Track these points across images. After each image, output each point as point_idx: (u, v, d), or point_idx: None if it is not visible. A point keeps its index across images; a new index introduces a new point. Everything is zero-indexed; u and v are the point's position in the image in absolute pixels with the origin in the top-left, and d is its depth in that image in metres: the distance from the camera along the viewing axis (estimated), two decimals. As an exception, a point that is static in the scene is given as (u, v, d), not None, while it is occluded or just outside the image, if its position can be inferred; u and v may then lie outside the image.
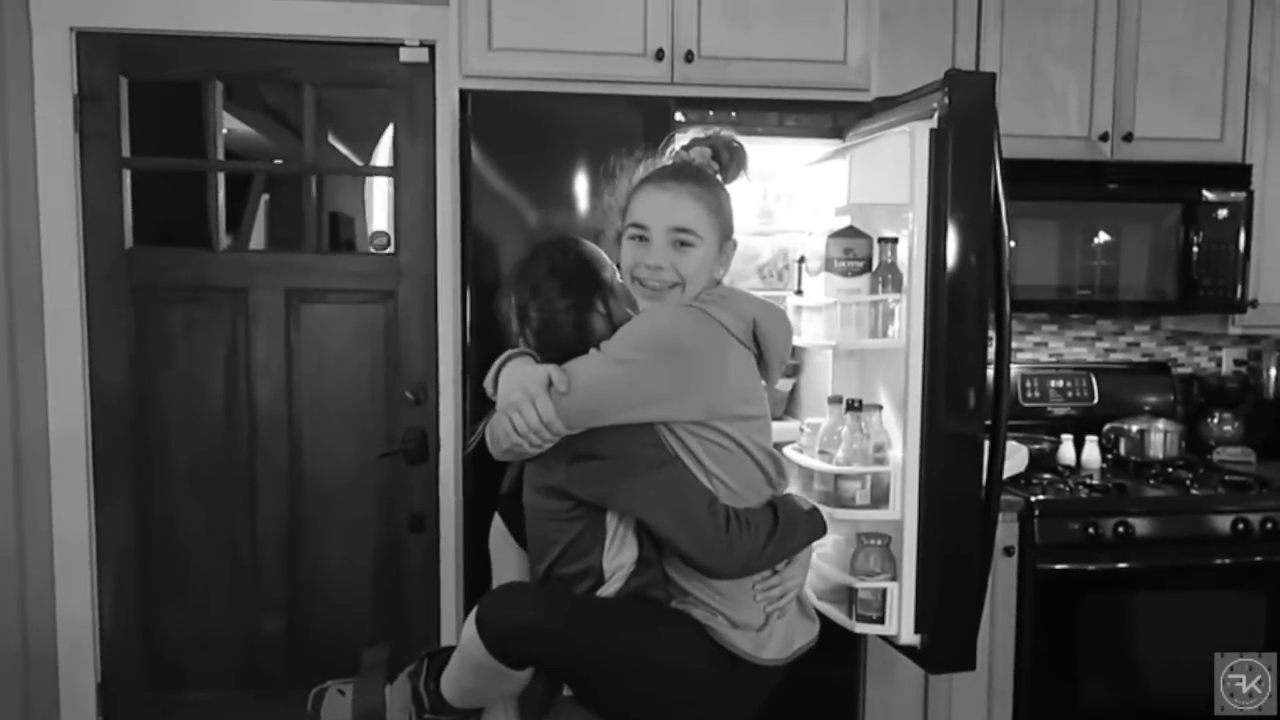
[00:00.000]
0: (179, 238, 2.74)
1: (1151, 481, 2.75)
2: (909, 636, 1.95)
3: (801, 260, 2.25)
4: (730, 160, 1.73)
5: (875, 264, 1.99)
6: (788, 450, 2.13)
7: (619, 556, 1.61)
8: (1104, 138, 2.84)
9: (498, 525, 1.86)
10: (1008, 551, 2.51)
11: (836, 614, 2.03)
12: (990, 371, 1.94)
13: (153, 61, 2.56)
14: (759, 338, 1.64)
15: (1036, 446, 2.86)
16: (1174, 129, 2.88)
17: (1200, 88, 2.88)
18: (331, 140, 3.03)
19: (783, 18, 2.36)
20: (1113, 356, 3.27)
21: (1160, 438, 2.92)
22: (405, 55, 2.57)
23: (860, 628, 1.98)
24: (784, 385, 2.46)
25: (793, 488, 2.07)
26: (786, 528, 1.64)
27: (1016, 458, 2.63)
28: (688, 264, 1.62)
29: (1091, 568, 2.54)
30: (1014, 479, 2.65)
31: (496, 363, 1.68)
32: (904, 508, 1.94)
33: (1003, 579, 2.51)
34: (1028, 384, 3.10)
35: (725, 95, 2.33)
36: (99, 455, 2.58)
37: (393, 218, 2.67)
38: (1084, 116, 2.85)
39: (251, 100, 3.05)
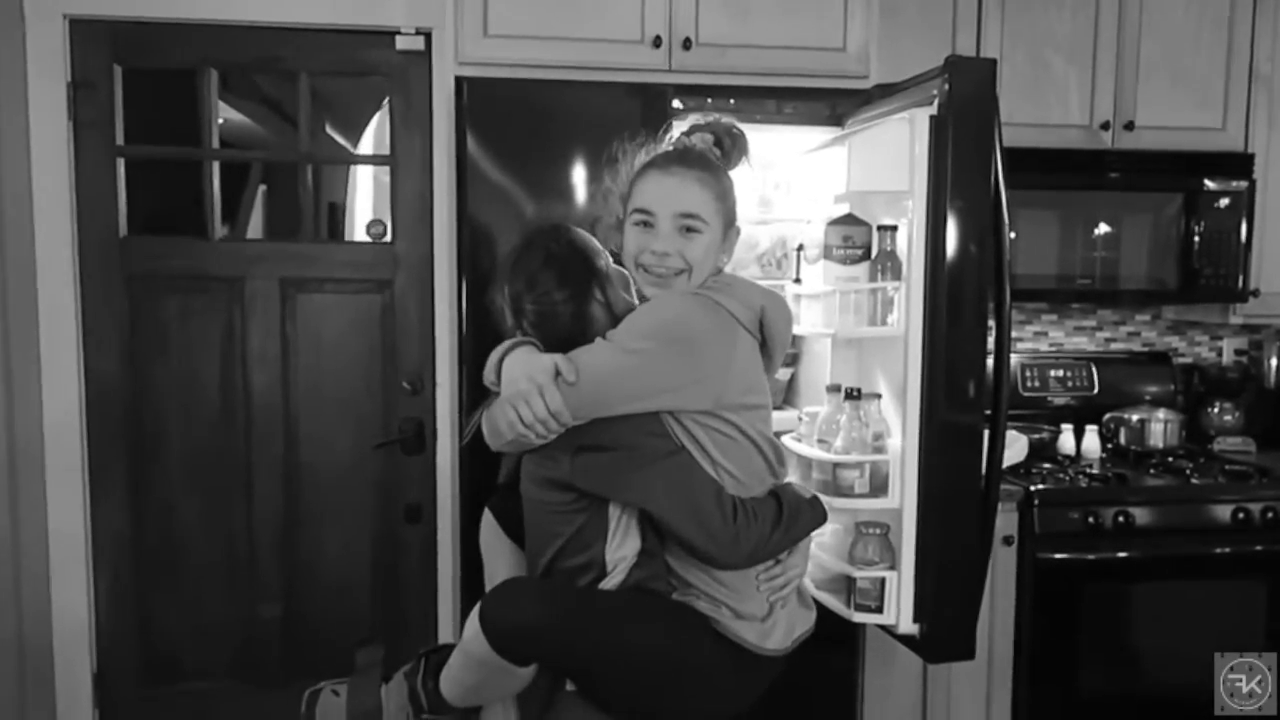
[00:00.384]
0: (174, 227, 2.72)
1: (1151, 471, 2.74)
2: (907, 626, 1.94)
3: (800, 248, 2.24)
4: (732, 146, 1.72)
5: (874, 252, 1.98)
6: (786, 439, 2.12)
7: (622, 548, 1.60)
8: (1105, 127, 2.82)
9: (489, 521, 1.84)
10: (1007, 541, 2.51)
11: (835, 603, 2.02)
12: (990, 361, 1.93)
13: (147, 49, 2.54)
14: (764, 326, 1.63)
15: (1036, 436, 2.85)
16: (1176, 118, 2.86)
17: (1202, 76, 2.87)
18: (329, 130, 3.02)
19: (781, 5, 2.34)
20: (1113, 346, 3.26)
21: (1160, 427, 2.92)
22: (401, 43, 2.55)
23: (859, 617, 1.97)
24: (783, 374, 2.45)
25: (791, 477, 2.06)
26: (790, 517, 1.63)
27: (1016, 447, 2.62)
28: (694, 250, 1.61)
29: (1091, 557, 2.53)
30: (1014, 468, 2.65)
31: (497, 352, 1.66)
32: (903, 497, 1.93)
33: (1002, 568, 2.51)
34: (1028, 373, 3.09)
35: (723, 83, 2.32)
36: (94, 445, 2.57)
37: (389, 207, 2.66)
38: (1085, 105, 2.83)
39: (248, 90, 3.03)
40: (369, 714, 1.65)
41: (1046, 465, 2.75)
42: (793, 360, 2.47)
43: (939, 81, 1.85)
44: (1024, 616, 2.54)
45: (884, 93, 2.14)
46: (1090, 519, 2.52)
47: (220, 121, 2.64)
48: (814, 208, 2.24)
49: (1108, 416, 3.00)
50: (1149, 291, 2.90)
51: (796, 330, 2.20)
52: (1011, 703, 2.57)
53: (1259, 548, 2.59)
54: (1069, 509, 2.53)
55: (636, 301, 1.69)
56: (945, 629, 1.94)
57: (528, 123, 2.22)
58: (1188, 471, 2.70)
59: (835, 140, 2.21)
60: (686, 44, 2.32)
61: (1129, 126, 2.83)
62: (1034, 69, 2.79)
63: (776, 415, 2.26)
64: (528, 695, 1.63)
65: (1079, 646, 2.56)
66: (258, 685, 2.67)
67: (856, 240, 2.00)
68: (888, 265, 1.94)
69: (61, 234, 2.49)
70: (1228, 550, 2.59)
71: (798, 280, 2.25)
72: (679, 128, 1.76)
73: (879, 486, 1.96)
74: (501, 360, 1.62)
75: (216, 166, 2.61)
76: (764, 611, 1.63)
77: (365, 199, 2.87)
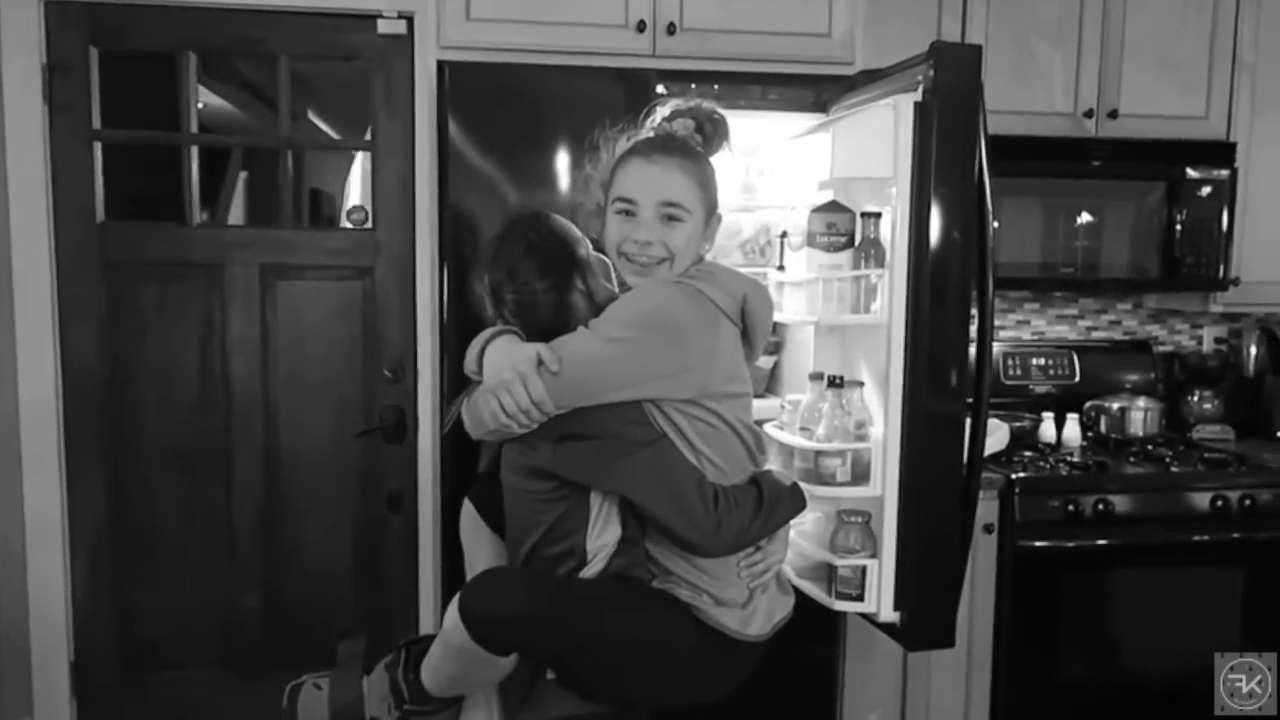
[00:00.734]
0: (153, 213, 2.69)
1: (1131, 459, 2.75)
2: (888, 614, 1.95)
3: (784, 235, 2.23)
4: (714, 132, 1.71)
5: (858, 239, 1.98)
6: (768, 427, 2.12)
7: (602, 536, 1.60)
8: (1089, 114, 2.83)
9: (468, 511, 1.83)
10: (988, 529, 2.52)
11: (816, 591, 2.03)
12: (973, 349, 1.93)
13: (124, 31, 2.50)
14: (746, 314, 1.63)
15: (1018, 424, 2.86)
16: (1159, 106, 2.87)
17: (1186, 65, 2.88)
18: (311, 117, 2.98)
19: (766, -10, 2.33)
20: (1094, 334, 3.28)
21: (1141, 415, 2.93)
22: (383, 27, 2.51)
23: (840, 605, 1.97)
24: (765, 362, 2.45)
25: (773, 465, 2.06)
26: (770, 504, 1.63)
27: (998, 435, 2.63)
28: (676, 239, 1.60)
29: (1071, 545, 2.55)
30: (995, 456, 2.66)
31: (478, 341, 1.65)
32: (885, 485, 1.93)
33: (982, 556, 2.52)
34: (1009, 362, 3.10)
35: (708, 68, 2.31)
36: (71, 433, 2.54)
37: (370, 193, 2.63)
38: (1069, 93, 2.83)
39: (228, 75, 2.99)
40: (351, 706, 1.64)
41: (1027, 453, 2.77)
42: (775, 348, 2.46)
43: (924, 68, 1.85)
44: (1004, 604, 2.55)
45: (869, 79, 2.13)
46: (1070, 507, 2.53)
47: (200, 106, 2.60)
48: (798, 194, 2.24)
49: (1089, 405, 3.01)
50: (1130, 280, 2.92)
51: (780, 318, 2.20)
52: (990, 690, 2.59)
53: (1237, 535, 2.61)
54: (1049, 497, 2.54)
55: (617, 290, 1.68)
56: (925, 617, 1.94)
57: (510, 108, 2.20)
58: (1167, 460, 2.72)
59: (819, 126, 2.20)
60: (671, 29, 2.31)
61: (1113, 114, 2.83)
62: (1019, 56, 2.79)
63: (759, 403, 2.26)
64: (509, 684, 1.63)
65: (1058, 634, 2.58)
66: (238, 674, 2.66)
67: (840, 227, 1.99)
68: (871, 252, 1.93)
69: (37, 219, 2.45)
70: (1206, 538, 2.61)
71: (781, 267, 2.25)
72: (660, 112, 1.75)
73: (861, 475, 1.96)
74: (483, 349, 1.61)
75: (196, 151, 2.57)
76: (744, 598, 1.64)
77: (357, 186, 2.85)
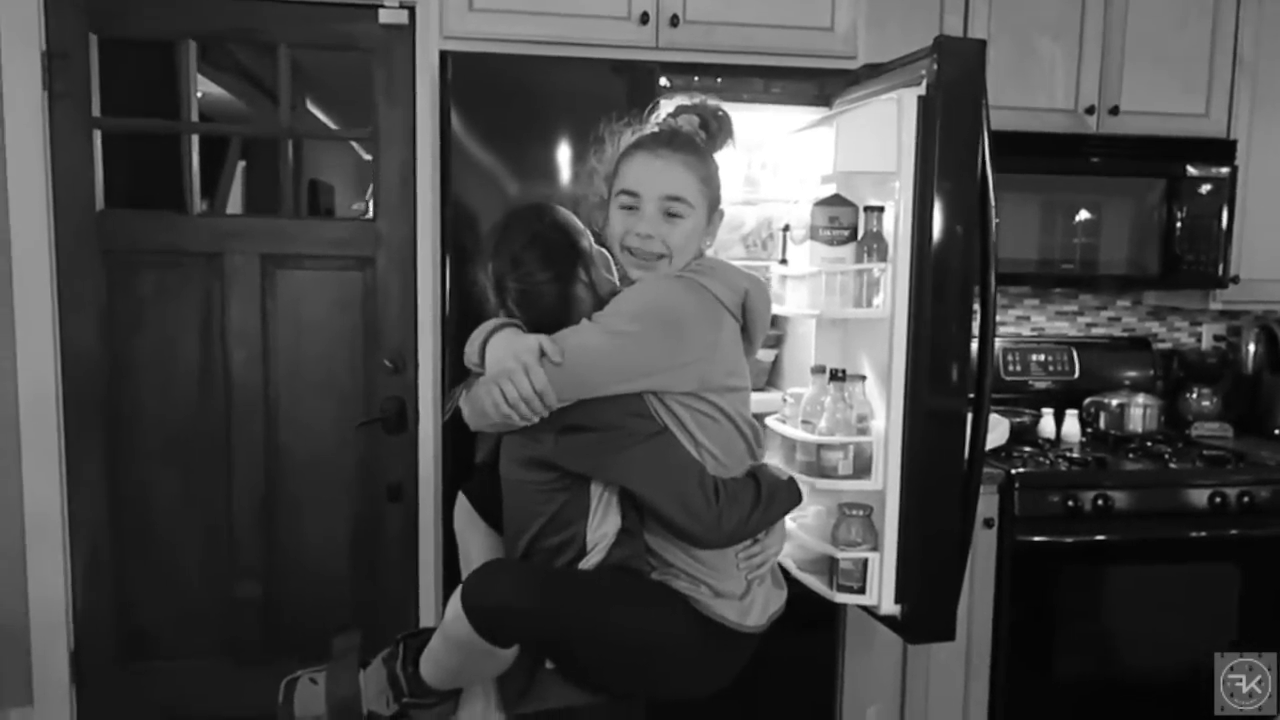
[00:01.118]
0: (152, 201, 2.68)
1: (1130, 455, 2.76)
2: (889, 607, 1.95)
3: (786, 229, 2.23)
4: (718, 129, 1.71)
5: (861, 233, 1.98)
6: (770, 421, 2.12)
7: (602, 526, 1.60)
8: (1090, 111, 2.83)
9: (463, 505, 1.83)
10: (987, 523, 2.52)
11: (817, 584, 2.03)
12: (974, 345, 1.93)
13: (123, 18, 2.49)
14: (747, 310, 1.64)
15: (1017, 420, 2.87)
16: (1160, 103, 2.87)
17: (1187, 62, 2.88)
18: (310, 107, 2.98)
19: (770, -17, 2.33)
20: (1094, 331, 3.28)
21: (1140, 412, 2.94)
22: (384, 16, 2.50)
23: (841, 598, 1.98)
24: (767, 355, 2.45)
25: (775, 458, 2.07)
26: (769, 497, 1.64)
27: (998, 431, 2.63)
28: (676, 235, 1.61)
29: (1070, 540, 2.56)
30: (994, 451, 2.66)
31: (480, 333, 1.64)
32: (886, 478, 1.93)
33: (982, 551, 2.53)
34: (1009, 357, 3.11)
35: (710, 61, 2.31)
36: (70, 422, 2.54)
37: (371, 184, 2.62)
38: (1070, 89, 2.83)
39: (227, 64, 2.98)
40: (348, 700, 1.64)
41: (1027, 449, 2.77)
42: (777, 342, 2.46)
43: (928, 62, 1.85)
44: (1003, 599, 2.56)
45: (872, 73, 2.13)
46: (1070, 502, 2.54)
47: (199, 95, 2.60)
48: (801, 188, 2.23)
49: (1088, 401, 3.02)
50: (1130, 277, 2.92)
51: (782, 311, 2.20)
52: (989, 683, 2.59)
53: (1234, 532, 2.62)
54: (1049, 492, 2.55)
55: (619, 282, 1.69)
56: (926, 610, 1.95)
57: (513, 99, 2.20)
58: (1166, 456, 2.73)
59: (822, 120, 2.20)
60: (674, 21, 2.30)
61: (1114, 111, 2.83)
62: (1020, 52, 2.79)
63: (761, 396, 2.27)
64: (508, 675, 1.63)
65: (1057, 628, 2.59)
66: (236, 663, 2.65)
67: (843, 221, 1.99)
68: (874, 247, 1.94)
69: (36, 207, 2.44)
70: (1204, 534, 2.62)
71: (784, 261, 2.24)
72: (666, 108, 1.75)
73: (862, 468, 1.96)
74: (485, 341, 1.61)
75: (195, 140, 2.57)
76: (742, 590, 1.64)
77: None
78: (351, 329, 2.62)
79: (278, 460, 2.63)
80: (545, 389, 1.50)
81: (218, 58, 2.81)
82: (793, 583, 1.89)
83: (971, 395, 1.95)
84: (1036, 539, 2.54)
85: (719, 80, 2.24)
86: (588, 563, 1.59)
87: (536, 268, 1.60)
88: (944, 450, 1.93)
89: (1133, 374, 3.17)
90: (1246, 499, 2.61)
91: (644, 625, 1.60)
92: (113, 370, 2.55)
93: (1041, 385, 3.10)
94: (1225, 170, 2.85)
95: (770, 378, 2.50)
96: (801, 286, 2.13)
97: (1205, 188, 2.85)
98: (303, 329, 2.61)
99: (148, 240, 2.55)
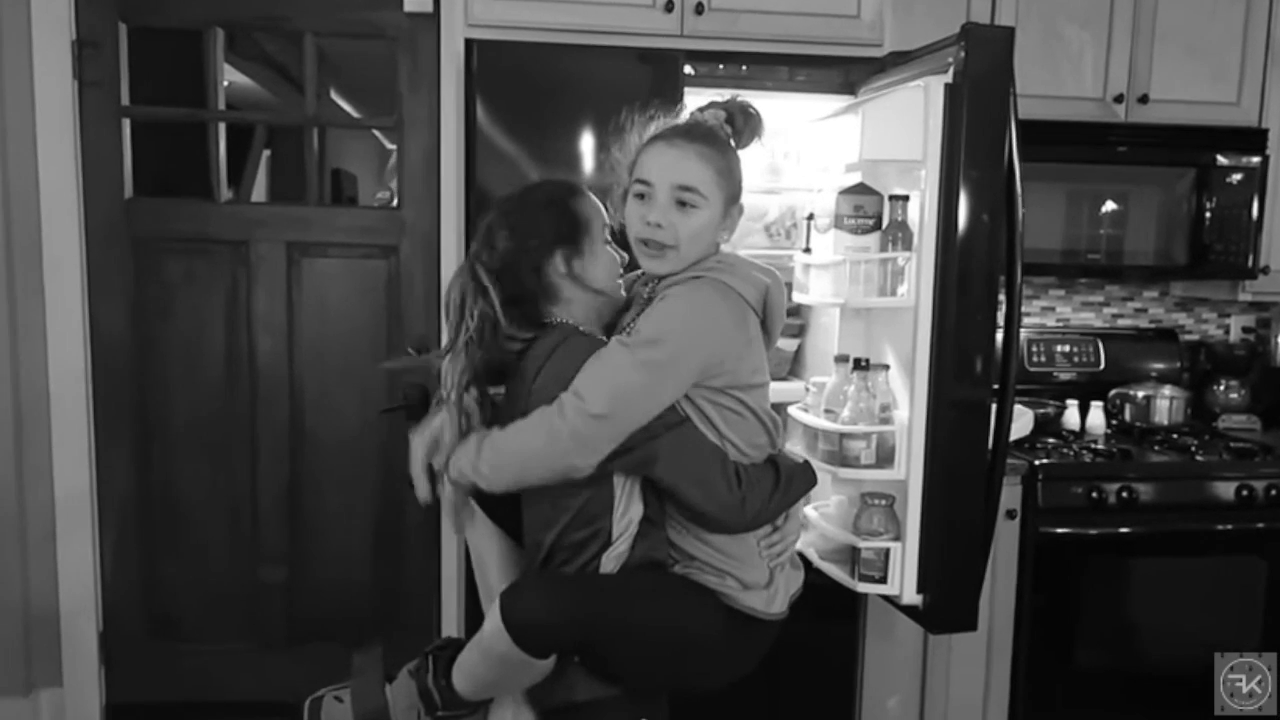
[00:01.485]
0: (179, 189, 2.70)
1: (1156, 447, 2.74)
2: (911, 596, 1.94)
3: (810, 218, 2.22)
4: (745, 125, 1.68)
5: (885, 222, 1.97)
6: (792, 410, 2.12)
7: (627, 514, 1.60)
8: (1119, 99, 2.79)
9: (477, 513, 1.82)
10: (1010, 514, 2.51)
11: (839, 574, 2.03)
12: (999, 335, 1.92)
13: (152, 7, 2.51)
14: (767, 305, 1.63)
15: (1041, 411, 2.85)
16: (1190, 92, 2.83)
17: (1218, 50, 2.83)
18: (334, 96, 2.99)
19: (795, -30, 2.32)
20: (1120, 322, 3.25)
21: (1166, 404, 2.91)
22: (409, 4, 2.51)
23: (862, 587, 1.97)
24: (789, 345, 2.44)
25: (797, 447, 2.07)
26: (787, 480, 1.64)
27: (1022, 421, 2.62)
28: (688, 226, 1.58)
29: (1093, 532, 2.54)
30: (1018, 442, 2.64)
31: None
32: (909, 468, 1.93)
33: (1004, 541, 2.51)
34: (1034, 348, 3.08)
35: (735, 49, 2.30)
36: (99, 407, 2.57)
37: (396, 172, 2.64)
38: (1099, 78, 2.80)
39: (252, 53, 3.00)
40: (377, 715, 1.64)
41: (1051, 440, 2.75)
42: (799, 331, 2.46)
43: (955, 49, 1.83)
44: (1024, 590, 2.54)
45: (898, 60, 2.12)
46: (1094, 494, 2.52)
47: (225, 85, 2.61)
48: (824, 177, 2.22)
49: (1113, 392, 2.99)
50: (1157, 267, 2.89)
51: (805, 300, 2.20)
52: (1010, 674, 2.58)
53: (1261, 525, 2.59)
54: (1073, 484, 2.53)
55: (626, 289, 1.69)
56: (948, 600, 1.94)
57: (537, 87, 2.20)
58: (1192, 448, 2.70)
59: (847, 109, 2.18)
60: (699, 9, 2.29)
61: (1143, 99, 2.80)
62: (1047, 39, 2.76)
63: (783, 386, 2.27)
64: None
65: (1079, 620, 2.57)
66: (260, 646, 2.69)
67: (868, 210, 1.98)
68: (899, 236, 1.92)
69: (67, 194, 2.48)
70: (1230, 527, 2.60)
71: (807, 250, 2.24)
72: (696, 102, 1.73)
73: (885, 457, 1.96)
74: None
75: (222, 128, 2.59)
76: (767, 578, 1.64)
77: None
78: (375, 316, 2.64)
79: (302, 446, 2.65)
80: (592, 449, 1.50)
81: (243, 47, 2.83)
82: (813, 572, 1.88)
83: (996, 385, 1.93)
84: (1059, 530, 2.52)
85: (744, 68, 2.23)
86: (613, 553, 1.59)
87: (516, 234, 1.60)
88: (967, 440, 1.91)
89: (1159, 366, 3.13)
90: (1274, 492, 2.58)
91: (678, 623, 1.61)
92: (141, 356, 2.58)
93: (1066, 376, 3.08)
94: (1256, 160, 2.81)
95: (792, 367, 2.50)
96: (825, 275, 2.13)
97: (1235, 177, 2.81)
98: (327, 316, 2.64)
99: (176, 228, 2.57)
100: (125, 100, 2.52)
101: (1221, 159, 2.81)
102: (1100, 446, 2.69)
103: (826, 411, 2.01)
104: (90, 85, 2.48)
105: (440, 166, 2.54)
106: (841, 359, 2.01)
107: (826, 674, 2.47)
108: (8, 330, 2.48)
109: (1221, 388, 3.12)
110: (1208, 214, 2.82)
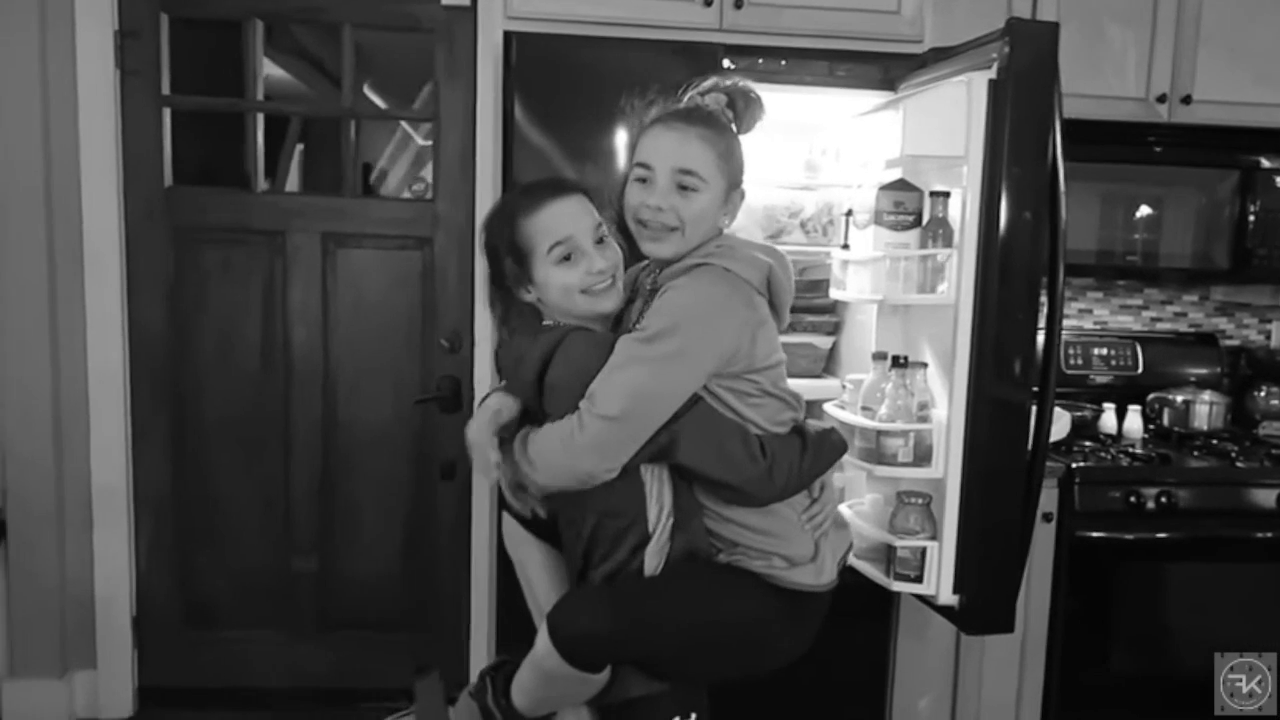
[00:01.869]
0: (217, 179, 2.72)
1: (1195, 453, 2.69)
2: (947, 597, 1.93)
3: (849, 213, 2.20)
4: (745, 109, 1.67)
5: (926, 218, 1.95)
6: (828, 407, 2.11)
7: (659, 503, 1.58)
8: (1162, 99, 2.75)
9: (510, 524, 1.79)
10: (1046, 517, 2.48)
11: (874, 572, 2.01)
12: (1040, 335, 1.89)
13: (193, -1, 2.54)
14: (772, 285, 1.61)
15: (1078, 414, 2.81)
16: (1234, 93, 2.78)
17: (1263, 51, 2.78)
18: (367, 91, 3.00)
19: (835, -35, 2.30)
20: (1159, 326, 3.21)
21: (1205, 409, 2.86)
22: (447, -3, 2.52)
23: (898, 586, 1.96)
24: (824, 342, 2.43)
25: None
26: (815, 444, 1.62)
27: (1059, 424, 2.58)
28: (690, 208, 1.57)
29: (1130, 537, 2.50)
30: (1055, 445, 2.61)
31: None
32: (947, 467, 1.91)
33: (1040, 544, 2.48)
34: (1071, 351, 3.05)
35: (774, 44, 2.28)
36: (136, 396, 2.60)
37: (431, 165, 2.64)
38: (1142, 77, 2.76)
39: (289, 46, 3.01)
40: None
41: (1088, 443, 2.72)
42: (834, 328, 2.44)
43: (999, 45, 1.81)
44: (1060, 593, 2.51)
45: (939, 56, 2.09)
46: (1132, 498, 2.48)
47: (263, 76, 2.63)
48: (863, 173, 2.21)
49: (1152, 397, 2.95)
50: (1198, 270, 2.84)
51: (843, 296, 2.18)
52: (1044, 677, 2.55)
53: (1301, 533, 2.55)
54: (1110, 488, 2.49)
55: (620, 290, 1.66)
56: (985, 601, 1.92)
57: (574, 81, 2.19)
58: (1232, 454, 2.66)
59: (887, 104, 2.17)
60: (738, 3, 2.28)
61: (1186, 100, 2.75)
62: (1089, 38, 2.72)
63: (818, 383, 2.26)
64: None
65: (1114, 625, 2.54)
66: (291, 635, 2.71)
67: (908, 206, 1.97)
68: (939, 232, 1.91)
69: (108, 182, 2.50)
70: (1269, 535, 2.55)
71: (845, 246, 2.22)
72: (699, 87, 1.72)
73: (923, 456, 1.94)
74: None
75: (260, 118, 2.60)
76: (812, 550, 1.62)
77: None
78: (409, 308, 2.65)
79: (335, 437, 2.67)
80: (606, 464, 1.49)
81: (280, 40, 2.84)
82: (846, 571, 1.86)
83: (1036, 386, 1.91)
84: (1096, 534, 2.49)
85: (783, 63, 2.21)
86: (654, 546, 1.57)
87: (487, 247, 1.66)
88: (1006, 440, 1.89)
89: (1198, 371, 3.09)
90: (1316, 500, 2.53)
91: (727, 618, 1.59)
92: (178, 346, 2.61)
93: (1103, 379, 3.04)
94: (1302, 162, 2.77)
95: (827, 364, 2.48)
96: (863, 271, 2.11)
97: (1280, 180, 2.77)
98: (362, 307, 2.65)
99: (214, 217, 2.59)
100: (166, 90, 2.54)
101: (1266, 162, 2.76)
102: (1139, 451, 2.65)
103: (864, 409, 1.99)
104: (132, 74, 2.51)
105: (476, 159, 2.54)
106: (880, 356, 2.00)
107: (858, 673, 2.45)
108: (48, 319, 2.50)
109: (1263, 394, 3.06)
110: (1251, 217, 2.77)
